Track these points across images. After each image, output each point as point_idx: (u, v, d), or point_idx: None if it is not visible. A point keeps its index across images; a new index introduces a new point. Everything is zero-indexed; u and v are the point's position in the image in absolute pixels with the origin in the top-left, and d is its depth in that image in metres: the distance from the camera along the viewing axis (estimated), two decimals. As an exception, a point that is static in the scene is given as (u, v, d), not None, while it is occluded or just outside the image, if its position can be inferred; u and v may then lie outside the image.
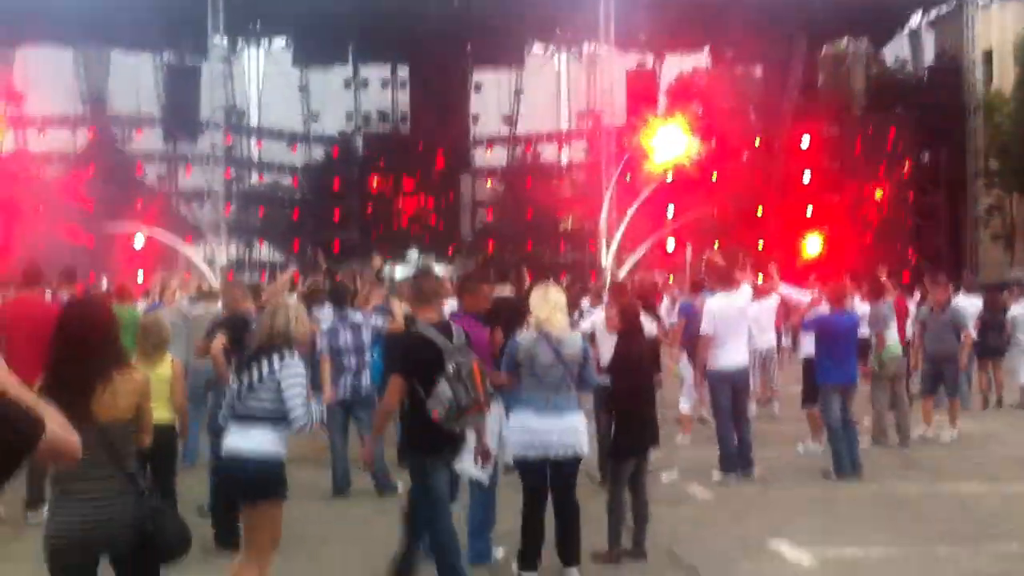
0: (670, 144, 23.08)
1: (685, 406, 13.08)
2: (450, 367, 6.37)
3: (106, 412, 4.88)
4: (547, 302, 7.33)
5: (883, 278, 14.24)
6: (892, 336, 12.90)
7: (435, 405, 6.32)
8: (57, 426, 2.51)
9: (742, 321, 11.25)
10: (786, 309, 14.05)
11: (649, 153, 24.85)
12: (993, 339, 16.35)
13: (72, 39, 36.60)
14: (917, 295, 17.98)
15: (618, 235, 29.46)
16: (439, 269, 25.10)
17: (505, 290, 10.17)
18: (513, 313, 8.71)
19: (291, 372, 5.93)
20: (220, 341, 8.63)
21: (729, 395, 10.91)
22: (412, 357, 6.61)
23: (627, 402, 7.96)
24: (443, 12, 33.97)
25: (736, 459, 10.68)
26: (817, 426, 11.86)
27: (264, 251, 40.75)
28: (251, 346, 6.28)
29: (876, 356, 12.84)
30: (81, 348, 5.00)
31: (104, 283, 14.90)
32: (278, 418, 5.89)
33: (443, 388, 6.32)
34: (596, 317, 11.33)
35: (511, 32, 37.00)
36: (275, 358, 5.95)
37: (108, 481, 4.84)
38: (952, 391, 13.49)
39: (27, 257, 15.04)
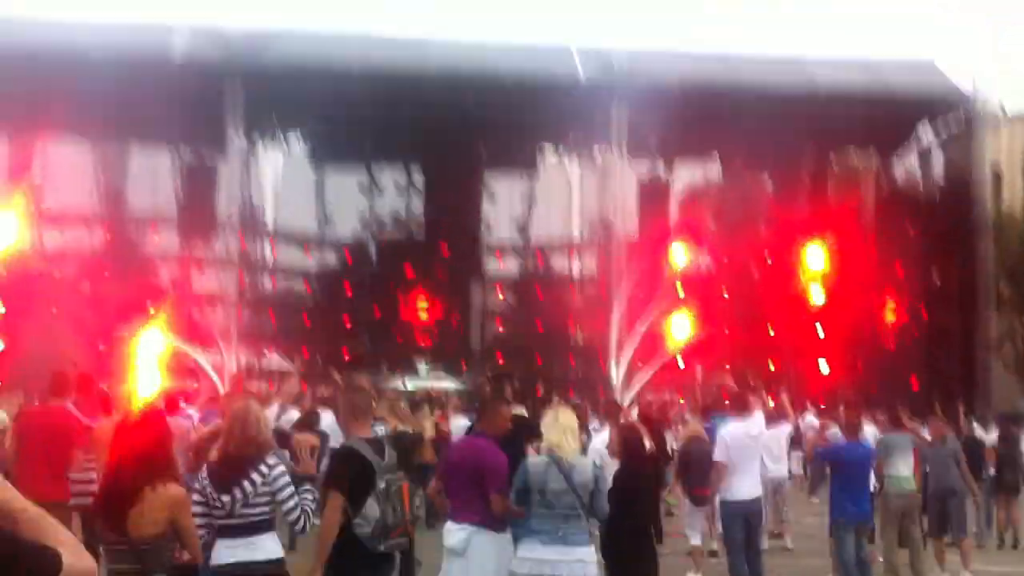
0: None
1: (695, 539, 12.69)
2: (380, 484, 6.26)
3: (136, 528, 5.01)
4: (557, 426, 7.25)
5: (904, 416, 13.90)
6: (901, 469, 12.47)
7: (362, 524, 6.20)
8: (70, 552, 2.37)
9: (756, 449, 11.13)
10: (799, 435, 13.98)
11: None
12: (1008, 474, 15.80)
13: (91, 134, 37.16)
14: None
15: (628, 352, 29.34)
16: (448, 383, 25.06)
17: (518, 410, 10.09)
18: (530, 434, 8.61)
19: (281, 476, 6.01)
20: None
21: (742, 527, 10.72)
22: (348, 474, 6.46)
23: (626, 534, 7.78)
24: (457, 120, 34.47)
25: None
26: None
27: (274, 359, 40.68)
28: (224, 453, 6.18)
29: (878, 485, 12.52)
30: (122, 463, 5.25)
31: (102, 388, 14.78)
32: (272, 523, 6.06)
33: (371, 506, 6.21)
34: (601, 440, 11.21)
35: (524, 140, 37.54)
36: (262, 468, 5.95)
37: None
38: (960, 530, 13.11)
39: (42, 362, 14.99)
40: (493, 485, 7.17)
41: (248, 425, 6.05)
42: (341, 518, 6.28)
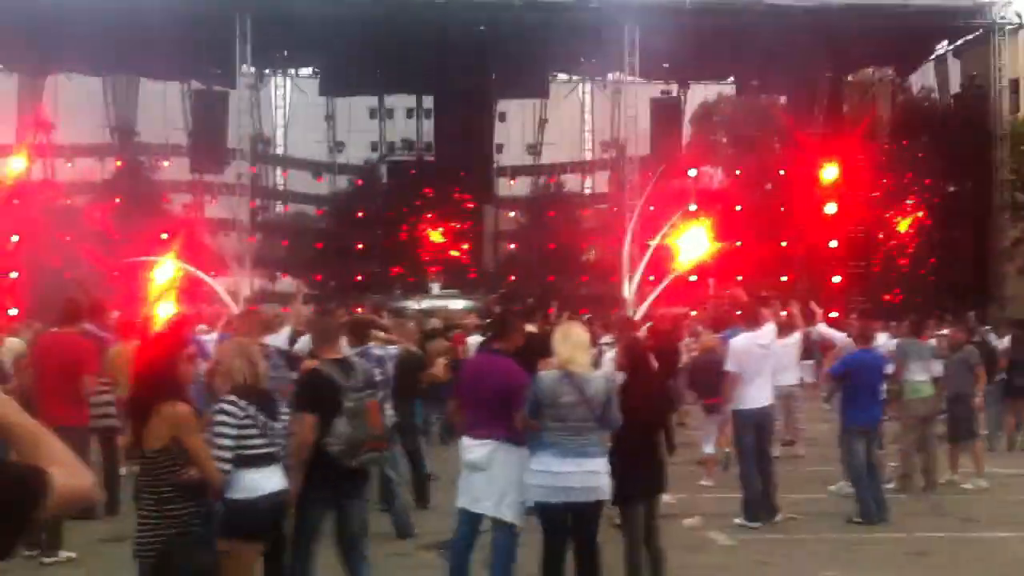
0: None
1: (708, 447, 12.84)
2: (347, 404, 6.43)
3: (145, 443, 5.35)
4: (568, 341, 7.24)
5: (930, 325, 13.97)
6: (919, 375, 12.55)
7: (332, 442, 6.38)
8: (66, 472, 2.36)
9: (767, 360, 11.10)
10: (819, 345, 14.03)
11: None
12: (1018, 379, 15.83)
13: (101, 68, 37.04)
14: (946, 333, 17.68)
15: (640, 267, 29.31)
16: (461, 302, 25.17)
17: (529, 327, 10.11)
18: (541, 351, 8.63)
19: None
20: None
21: (753, 436, 10.77)
22: (316, 395, 6.60)
23: (633, 445, 7.80)
24: (468, 43, 34.12)
25: (760, 504, 10.51)
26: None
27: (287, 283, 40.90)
28: (252, 385, 6.16)
29: (895, 389, 12.59)
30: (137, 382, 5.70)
31: (115, 315, 14.86)
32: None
33: (339, 424, 6.39)
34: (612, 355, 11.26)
35: (535, 62, 37.14)
36: (279, 404, 6.16)
37: (143, 506, 5.32)
38: (969, 433, 13.18)
39: (58, 289, 15.10)
40: (518, 402, 7.21)
41: (258, 364, 6.16)
42: (312, 436, 6.43)
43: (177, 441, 5.34)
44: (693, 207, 31.50)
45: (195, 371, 11.56)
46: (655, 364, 8.94)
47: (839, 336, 12.79)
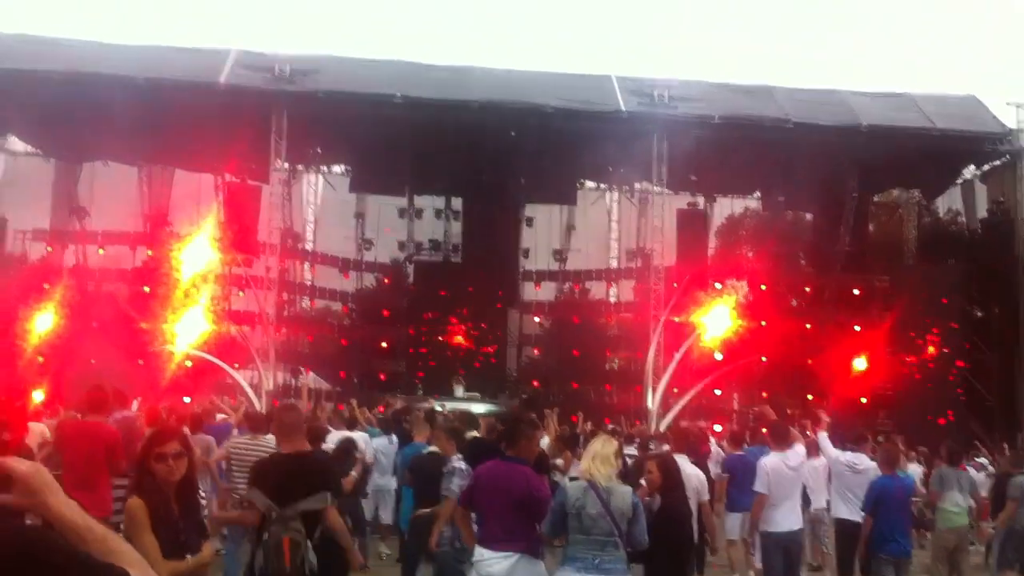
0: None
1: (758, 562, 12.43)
2: (264, 536, 6.41)
3: None
4: (589, 452, 7.25)
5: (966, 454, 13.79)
6: (953, 503, 12.35)
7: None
8: (138, 571, 2.34)
9: (797, 482, 11.02)
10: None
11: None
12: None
13: (137, 157, 37.74)
14: (987, 461, 17.42)
15: (665, 378, 29.21)
16: (483, 406, 25.08)
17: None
18: (544, 463, 8.58)
19: None
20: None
21: (782, 560, 10.61)
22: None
23: (663, 568, 7.70)
24: (498, 147, 34.63)
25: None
26: None
27: (310, 378, 40.86)
28: None
29: (923, 516, 12.38)
30: None
31: (135, 406, 14.95)
32: None
33: (257, 557, 6.46)
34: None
35: (564, 169, 37.57)
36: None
37: None
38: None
39: (83, 376, 15.17)
40: (542, 514, 7.14)
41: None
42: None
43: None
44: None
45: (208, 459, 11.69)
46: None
47: (832, 451, 12.52)
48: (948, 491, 12.24)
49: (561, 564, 7.10)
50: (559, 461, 12.94)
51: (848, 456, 12.26)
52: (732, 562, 13.41)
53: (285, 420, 7.41)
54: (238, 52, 34.45)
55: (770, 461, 10.92)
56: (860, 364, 33.05)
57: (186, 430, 12.59)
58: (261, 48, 35.21)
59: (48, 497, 2.41)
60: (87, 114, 31.77)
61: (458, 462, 9.50)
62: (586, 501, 6.96)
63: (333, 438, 13.26)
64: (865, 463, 11.82)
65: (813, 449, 12.65)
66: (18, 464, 2.43)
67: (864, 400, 34.73)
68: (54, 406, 16.77)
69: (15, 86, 31.12)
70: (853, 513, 11.20)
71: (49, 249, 37.48)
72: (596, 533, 6.92)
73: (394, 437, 14.78)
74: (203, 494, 11.07)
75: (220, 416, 15.35)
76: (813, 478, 13.07)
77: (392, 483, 14.64)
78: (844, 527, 11.52)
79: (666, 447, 12.72)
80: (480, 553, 7.33)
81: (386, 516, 14.92)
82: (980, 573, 12.92)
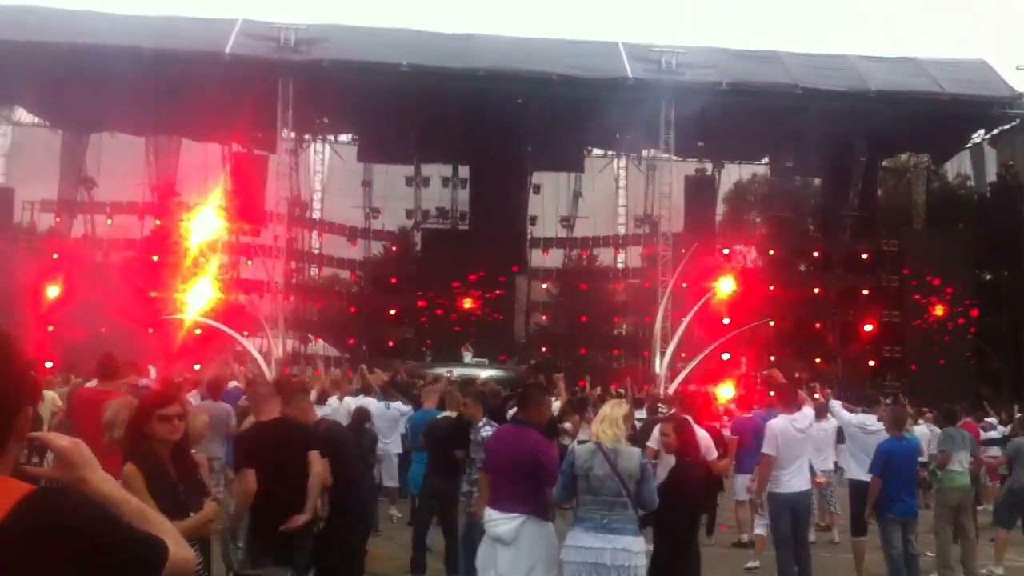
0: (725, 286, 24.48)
1: (760, 529, 12.57)
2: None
3: None
4: (599, 415, 7.30)
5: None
6: (957, 464, 12.42)
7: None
8: (172, 541, 2.39)
9: (804, 444, 10.99)
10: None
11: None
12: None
13: (144, 128, 37.72)
14: (995, 421, 17.46)
15: (673, 343, 29.28)
16: (491, 372, 25.16)
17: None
18: (554, 427, 8.65)
19: None
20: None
21: (790, 521, 10.63)
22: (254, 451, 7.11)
23: (675, 529, 7.76)
24: (505, 115, 34.54)
25: (796, 590, 10.35)
26: (862, 559, 11.50)
27: (319, 345, 40.99)
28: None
29: (935, 476, 12.42)
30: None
31: (153, 373, 15.00)
32: None
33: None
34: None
35: (571, 136, 37.50)
36: None
37: None
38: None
39: (96, 346, 15.22)
40: (549, 478, 7.20)
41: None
42: (254, 487, 6.85)
43: None
44: (725, 289, 31.49)
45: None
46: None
47: (844, 414, 12.59)
48: (956, 451, 12.27)
49: (571, 525, 7.15)
50: (567, 425, 12.97)
51: (860, 418, 12.32)
52: (739, 522, 13.50)
53: (258, 392, 7.75)
54: (244, 22, 34.37)
55: (778, 423, 10.91)
56: (868, 328, 33.13)
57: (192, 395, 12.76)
58: (267, 17, 35.08)
59: (86, 472, 2.45)
60: (94, 85, 31.75)
61: (486, 428, 9.58)
62: (594, 463, 6.99)
63: (336, 403, 13.25)
64: (876, 425, 11.86)
65: (821, 411, 12.69)
66: (58, 439, 2.49)
67: (872, 363, 34.85)
68: (64, 374, 16.85)
69: (22, 58, 31.09)
70: (865, 473, 11.26)
71: (57, 219, 37.58)
72: (604, 494, 6.95)
73: (391, 403, 14.87)
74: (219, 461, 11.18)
75: (232, 383, 15.44)
76: (821, 440, 13.12)
77: (393, 447, 14.78)
78: (857, 487, 11.55)
79: (673, 410, 12.76)
80: (489, 514, 7.42)
81: (390, 480, 15.06)
82: (988, 532, 12.96)
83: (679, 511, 7.79)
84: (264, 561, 6.93)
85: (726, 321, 29.74)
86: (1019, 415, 16.61)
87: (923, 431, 15.23)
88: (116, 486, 2.53)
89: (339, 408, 13.87)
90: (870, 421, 12.10)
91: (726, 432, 14.95)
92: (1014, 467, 13.18)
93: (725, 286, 25.50)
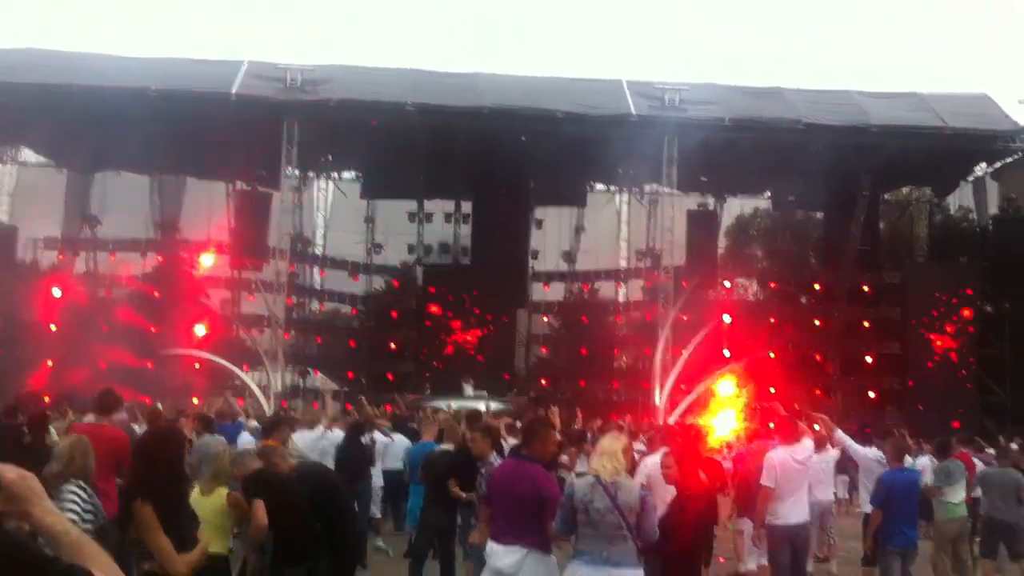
0: (725, 423, 24.58)
1: (752, 563, 12.50)
2: None
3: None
4: (598, 448, 7.30)
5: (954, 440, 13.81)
6: (955, 495, 12.42)
7: None
8: (104, 573, 2.45)
9: (804, 476, 11.00)
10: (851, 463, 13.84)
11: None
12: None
13: (149, 166, 37.94)
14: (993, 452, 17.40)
15: (673, 374, 29.24)
16: (492, 404, 25.12)
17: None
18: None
19: None
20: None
21: (789, 553, 10.59)
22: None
23: (677, 563, 7.72)
24: (508, 151, 34.70)
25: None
26: None
27: (318, 380, 40.96)
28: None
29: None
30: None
31: (160, 406, 15.02)
32: None
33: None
34: (651, 462, 11.14)
35: (574, 172, 37.63)
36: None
37: None
38: (1015, 554, 12.95)
39: (95, 381, 15.26)
40: (549, 510, 7.19)
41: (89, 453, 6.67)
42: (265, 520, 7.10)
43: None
44: (727, 318, 31.51)
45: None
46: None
47: (859, 448, 12.60)
48: (952, 484, 12.30)
49: (571, 558, 7.13)
50: (564, 458, 12.93)
51: (875, 451, 12.38)
52: (737, 551, 13.38)
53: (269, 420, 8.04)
54: (250, 63, 34.59)
55: (777, 455, 10.91)
56: (868, 359, 33.08)
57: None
58: (273, 59, 35.31)
59: (30, 506, 2.52)
60: (99, 125, 31.97)
61: (495, 461, 9.56)
62: (594, 496, 6.99)
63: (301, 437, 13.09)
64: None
65: (820, 443, 12.68)
66: (7, 471, 2.51)
67: (872, 395, 34.76)
68: (62, 409, 16.84)
69: (28, 99, 31.34)
70: None
71: (60, 257, 37.72)
72: (604, 527, 6.93)
73: (375, 435, 14.97)
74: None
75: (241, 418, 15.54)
76: (821, 471, 13.10)
77: (376, 480, 14.86)
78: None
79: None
80: (491, 547, 7.41)
81: (375, 510, 15.16)
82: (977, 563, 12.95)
83: (679, 539, 7.75)
84: None
85: (727, 354, 29.72)
86: (1014, 446, 16.51)
87: (924, 462, 15.16)
88: (59, 518, 2.58)
89: (322, 438, 13.82)
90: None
91: (727, 465, 14.94)
92: (987, 497, 13.19)
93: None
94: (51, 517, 2.55)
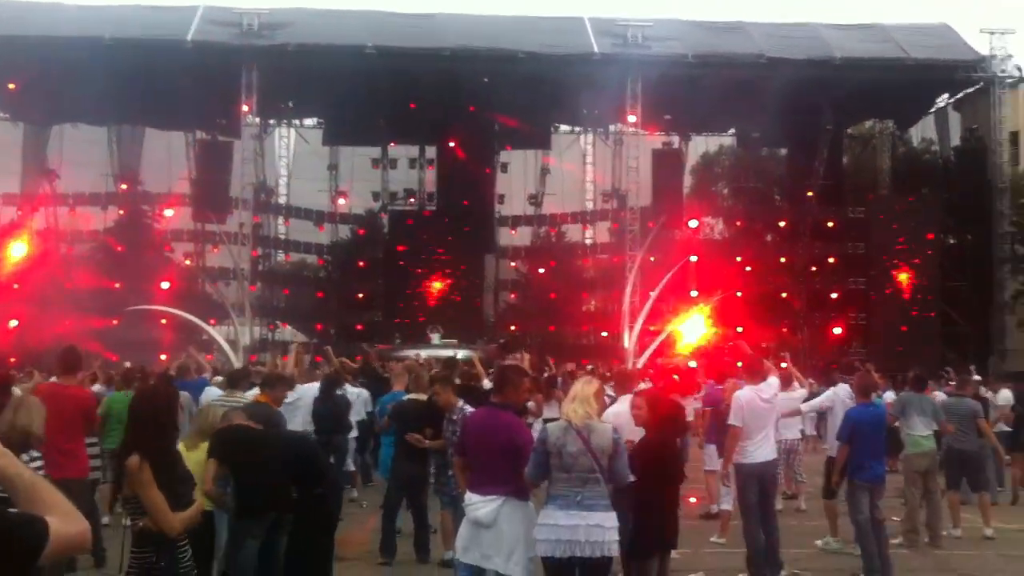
0: (694, 330, 24.48)
1: (727, 504, 12.62)
2: None
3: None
4: (571, 393, 7.29)
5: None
6: (919, 428, 12.50)
7: None
8: (61, 520, 2.42)
9: (771, 414, 11.00)
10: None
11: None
12: (1024, 434, 15.82)
13: (106, 118, 37.35)
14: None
15: (641, 317, 29.34)
16: (461, 352, 25.13)
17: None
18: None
19: None
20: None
21: (757, 491, 10.66)
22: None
23: (651, 500, 7.77)
24: (471, 94, 34.41)
25: (764, 559, 10.40)
26: (835, 520, 11.61)
27: (287, 332, 40.84)
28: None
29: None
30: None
31: (126, 364, 14.90)
32: None
33: None
34: (620, 407, 11.17)
35: (538, 114, 37.41)
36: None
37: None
38: (982, 487, 13.16)
39: (61, 340, 15.11)
40: (525, 459, 7.19)
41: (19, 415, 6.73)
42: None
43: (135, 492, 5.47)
44: (694, 258, 31.64)
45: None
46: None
47: (843, 391, 12.63)
48: (909, 417, 12.36)
49: (545, 503, 7.13)
50: (531, 404, 12.93)
51: (844, 388, 12.39)
52: (710, 493, 13.53)
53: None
54: (205, 8, 34.00)
55: (744, 394, 10.93)
56: (834, 296, 33.33)
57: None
58: (229, 3, 34.65)
59: None
60: (54, 76, 31.42)
61: (461, 411, 9.56)
62: (567, 440, 6.98)
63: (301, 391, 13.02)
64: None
65: (787, 381, 12.75)
66: None
67: (838, 330, 35.09)
68: (28, 370, 16.68)
69: (-21, 52, 30.69)
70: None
71: (19, 213, 37.17)
72: (577, 470, 6.92)
73: (349, 388, 14.94)
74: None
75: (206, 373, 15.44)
76: (787, 409, 13.15)
77: (352, 432, 14.84)
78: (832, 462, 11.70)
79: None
80: (469, 497, 7.40)
81: (350, 463, 15.17)
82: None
83: (652, 477, 7.78)
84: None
85: (694, 293, 29.85)
86: (973, 377, 16.70)
87: (889, 396, 15.32)
88: (10, 460, 2.53)
89: (303, 396, 13.65)
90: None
91: (697, 404, 15.06)
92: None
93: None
94: (2, 459, 2.52)
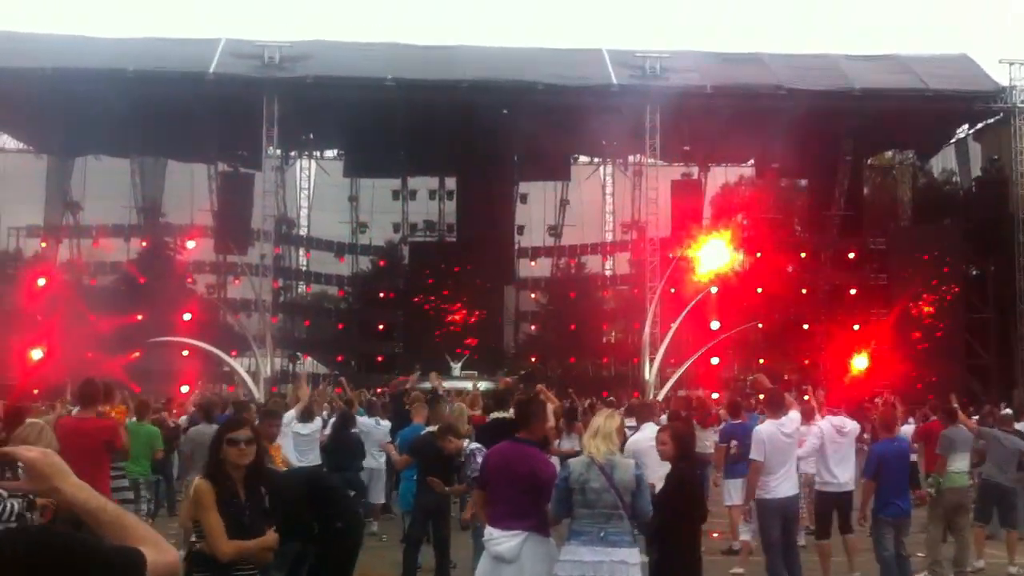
0: (714, 256, 23.65)
1: (746, 535, 12.52)
2: None
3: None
4: (592, 427, 7.26)
5: (954, 404, 13.67)
6: (959, 465, 12.27)
7: None
8: (155, 550, 2.39)
9: (792, 448, 10.95)
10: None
11: (696, 264, 25.50)
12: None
13: (129, 150, 37.67)
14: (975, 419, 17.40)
15: (662, 349, 29.22)
16: (482, 383, 25.12)
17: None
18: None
19: None
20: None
21: (779, 526, 10.58)
22: None
23: (675, 538, 7.72)
24: (491, 125, 34.55)
25: (786, 596, 10.31)
26: (827, 560, 11.47)
27: (307, 364, 40.86)
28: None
29: (935, 479, 12.32)
30: None
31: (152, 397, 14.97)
32: None
33: None
34: (641, 434, 11.12)
35: (557, 145, 37.51)
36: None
37: None
38: (1006, 520, 12.96)
39: (84, 371, 15.15)
40: (547, 494, 7.17)
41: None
42: None
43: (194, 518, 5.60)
44: (714, 290, 31.51)
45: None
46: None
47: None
48: (954, 453, 12.16)
49: (567, 539, 7.09)
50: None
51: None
52: (732, 526, 13.40)
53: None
54: (227, 41, 34.33)
55: (765, 428, 10.86)
56: (855, 327, 33.07)
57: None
58: (250, 36, 35.03)
59: (58, 481, 2.45)
60: (78, 109, 31.74)
61: (473, 444, 9.54)
62: (590, 476, 6.96)
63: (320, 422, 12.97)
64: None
65: (808, 415, 12.64)
66: (26, 451, 2.48)
67: (862, 362, 34.77)
68: (50, 403, 16.75)
69: (4, 84, 31.07)
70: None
71: (43, 245, 37.46)
72: (600, 507, 6.90)
73: (381, 420, 14.88)
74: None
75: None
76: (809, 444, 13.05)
77: (381, 463, 14.75)
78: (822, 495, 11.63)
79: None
80: (489, 532, 7.36)
81: (376, 497, 15.04)
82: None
83: (677, 514, 7.73)
84: None
85: (715, 325, 29.71)
86: (1006, 411, 16.52)
87: (910, 430, 15.17)
88: (92, 494, 2.50)
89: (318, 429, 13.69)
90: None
91: (715, 437, 14.95)
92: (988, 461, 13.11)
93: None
94: (83, 493, 2.47)
